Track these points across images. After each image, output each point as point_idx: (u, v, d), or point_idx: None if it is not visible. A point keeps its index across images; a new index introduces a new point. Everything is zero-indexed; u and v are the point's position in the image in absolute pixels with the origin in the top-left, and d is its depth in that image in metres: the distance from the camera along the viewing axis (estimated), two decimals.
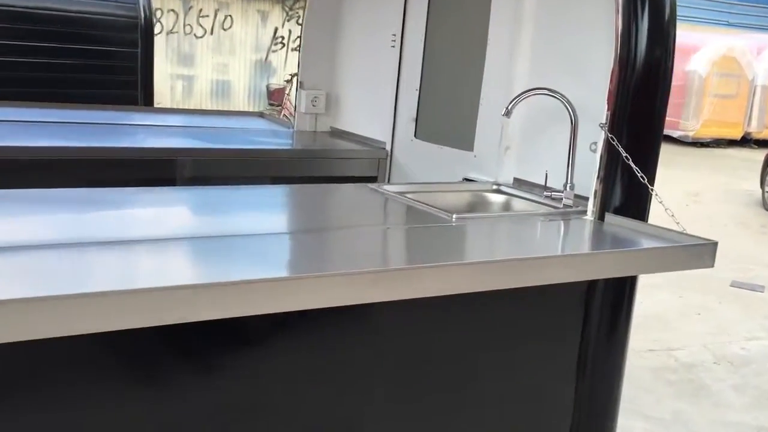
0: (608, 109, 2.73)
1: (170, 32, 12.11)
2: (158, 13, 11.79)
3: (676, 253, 2.47)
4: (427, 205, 2.79)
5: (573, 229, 2.74)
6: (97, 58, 6.16)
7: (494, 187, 3.30)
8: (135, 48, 6.64)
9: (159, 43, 11.99)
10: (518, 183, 3.29)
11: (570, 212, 2.89)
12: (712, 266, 2.45)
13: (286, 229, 2.57)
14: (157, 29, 11.92)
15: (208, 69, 12.35)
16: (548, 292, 2.50)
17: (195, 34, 12.18)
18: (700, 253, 2.47)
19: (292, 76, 12.31)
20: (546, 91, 2.95)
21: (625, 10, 2.69)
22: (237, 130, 4.44)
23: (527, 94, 2.96)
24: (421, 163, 3.90)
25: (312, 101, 4.42)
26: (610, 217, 2.77)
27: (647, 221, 2.82)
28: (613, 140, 2.70)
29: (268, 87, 12.54)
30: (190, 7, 12.04)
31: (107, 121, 4.29)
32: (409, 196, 2.93)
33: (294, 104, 4.46)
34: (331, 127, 4.53)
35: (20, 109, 4.28)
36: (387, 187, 3.05)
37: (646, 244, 2.53)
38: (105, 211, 2.50)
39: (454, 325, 2.48)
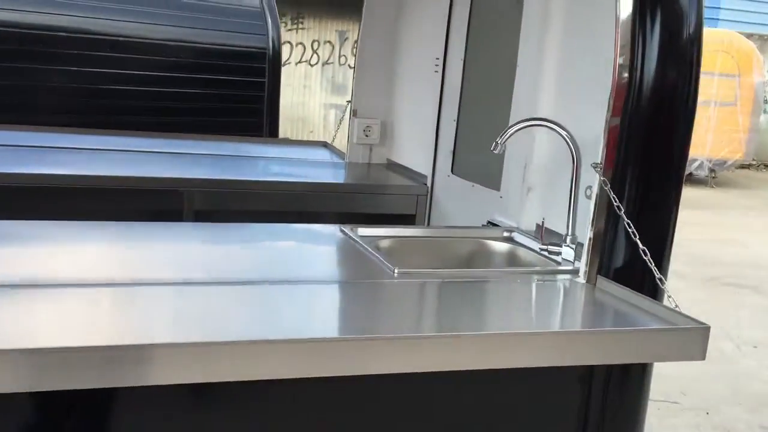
0: (605, 146, 2.17)
1: (326, 63, 12.21)
2: (315, 45, 11.95)
3: (655, 340, 1.87)
4: (380, 255, 2.35)
5: (547, 295, 2.20)
6: (225, 88, 6.21)
7: (506, 234, 2.78)
8: (262, 78, 6.65)
9: (315, 73, 12.15)
10: (539, 229, 2.75)
11: (560, 272, 2.34)
12: (702, 359, 1.82)
13: (185, 278, 2.18)
14: (314, 60, 12.10)
15: None
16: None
17: (349, 65, 12.20)
18: (686, 340, 1.85)
19: None
20: (544, 123, 2.42)
21: (629, 19, 2.13)
22: (287, 161, 4.18)
23: (520, 126, 2.45)
24: (456, 203, 3.43)
25: (365, 131, 4.07)
26: (602, 282, 2.19)
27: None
28: (606, 185, 2.14)
29: None
30: (346, 39, 12.09)
31: (172, 150, 4.17)
32: (372, 243, 2.50)
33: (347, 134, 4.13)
34: (387, 159, 4.15)
35: (147, 139, 4.28)
36: (362, 230, 2.63)
37: (625, 323, 1.95)
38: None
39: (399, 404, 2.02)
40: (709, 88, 12.52)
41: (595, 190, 2.19)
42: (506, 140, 2.43)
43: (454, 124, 3.44)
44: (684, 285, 7.70)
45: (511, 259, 2.63)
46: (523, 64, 2.88)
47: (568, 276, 2.31)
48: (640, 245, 2.05)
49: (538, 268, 2.40)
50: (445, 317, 2.01)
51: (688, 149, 2.20)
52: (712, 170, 13.41)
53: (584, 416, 2.19)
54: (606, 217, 2.18)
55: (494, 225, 2.98)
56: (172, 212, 3.31)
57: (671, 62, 2.14)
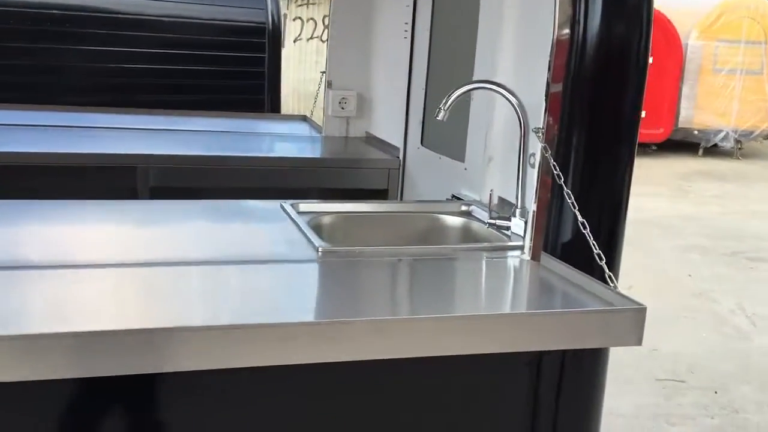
0: (546, 108, 1.98)
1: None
2: (326, 20, 11.74)
3: (582, 323, 1.68)
4: (312, 233, 2.18)
5: (484, 275, 2.02)
6: (224, 64, 6.06)
7: (464, 208, 2.60)
8: (262, 53, 6.50)
9: (321, 49, 11.93)
10: (501, 203, 2.56)
11: (508, 247, 2.15)
12: (638, 343, 1.63)
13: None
14: (325, 35, 11.81)
15: None
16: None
17: None
18: (620, 323, 1.66)
19: None
20: (488, 86, 2.23)
21: None
22: (261, 135, 4.03)
23: (462, 90, 2.26)
24: (425, 176, 3.25)
25: (340, 103, 3.90)
26: (546, 259, 2.01)
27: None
28: (546, 151, 1.95)
29: None
30: None
31: (137, 126, 4.04)
32: (313, 221, 2.33)
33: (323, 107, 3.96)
34: (366, 133, 3.98)
35: (144, 116, 4.17)
36: (304, 206, 2.47)
37: (554, 305, 1.77)
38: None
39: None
40: (734, 56, 12.09)
41: (538, 158, 2.00)
42: (449, 106, 2.24)
43: (423, 93, 3.25)
44: (704, 259, 7.44)
45: (464, 235, 2.46)
46: (483, 30, 2.68)
47: (516, 253, 2.13)
48: (579, 217, 1.85)
49: (484, 245, 2.22)
50: (364, 301, 1.83)
51: (640, 112, 2.00)
52: (738, 141, 12.94)
53: (533, 405, 2.02)
54: (551, 187, 1.99)
55: (458, 199, 2.80)
56: (127, 190, 3.18)
57: (618, 16, 1.94)
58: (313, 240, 2.07)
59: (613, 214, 2.00)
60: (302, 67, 11.64)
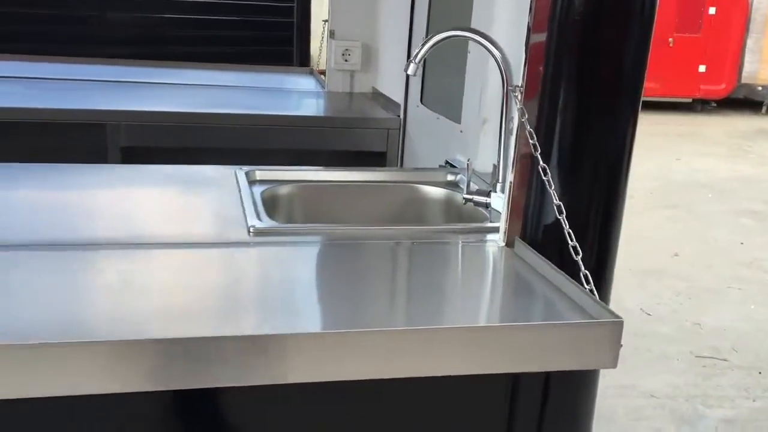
0: (526, 60, 1.60)
1: None
2: None
3: (540, 339, 1.31)
4: (256, 206, 1.85)
5: (441, 267, 1.67)
6: (251, 14, 5.73)
7: (450, 177, 2.25)
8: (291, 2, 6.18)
9: None
10: (495, 173, 2.20)
11: (484, 229, 1.80)
12: (613, 366, 1.27)
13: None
14: None
15: None
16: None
17: None
18: (589, 340, 1.29)
19: None
20: (465, 34, 1.86)
21: None
22: (260, 90, 3.71)
23: (435, 40, 1.89)
24: (423, 138, 2.90)
25: (344, 55, 3.54)
26: (520, 247, 1.65)
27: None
28: (523, 114, 1.58)
29: None
30: None
31: (151, 80, 3.74)
32: (267, 190, 2.01)
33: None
34: (373, 89, 3.62)
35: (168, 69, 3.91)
36: (261, 173, 2.14)
37: (515, 312, 1.41)
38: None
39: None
40: None
41: (516, 123, 1.63)
42: (420, 59, 1.88)
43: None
44: (759, 226, 6.93)
45: (443, 211, 2.11)
46: None
47: (494, 236, 1.77)
48: (555, 199, 1.48)
49: (457, 226, 1.87)
50: (283, 301, 1.47)
51: (645, 60, 1.60)
52: None
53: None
54: (531, 158, 1.62)
55: (451, 165, 2.45)
56: (97, 149, 2.90)
57: None
58: (248, 217, 1.75)
59: (609, 181, 1.62)
60: None
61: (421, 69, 2.86)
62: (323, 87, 3.73)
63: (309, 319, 1.37)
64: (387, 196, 2.17)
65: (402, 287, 1.57)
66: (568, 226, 1.43)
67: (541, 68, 1.58)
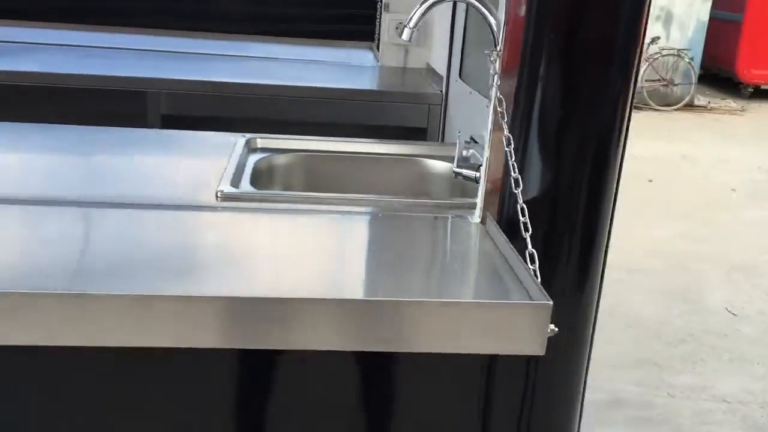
0: (505, 21, 1.48)
1: None
2: None
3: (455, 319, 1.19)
4: (232, 174, 1.80)
5: (405, 241, 1.56)
6: None
7: (465, 153, 2.13)
8: None
9: None
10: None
11: (465, 205, 1.69)
12: (541, 352, 1.15)
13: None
14: None
15: None
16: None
17: None
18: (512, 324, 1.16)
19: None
20: None
21: None
22: (314, 63, 3.66)
23: (428, 3, 1.76)
24: (458, 114, 2.77)
25: (397, 28, 3.44)
26: (489, 224, 1.53)
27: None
28: (495, 81, 1.46)
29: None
30: None
31: (203, 50, 3.78)
32: (264, 158, 1.95)
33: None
34: (427, 64, 3.51)
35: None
36: (263, 141, 2.09)
37: (460, 290, 1.30)
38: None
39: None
40: None
41: (494, 91, 1.50)
42: (416, 24, 1.77)
43: (464, 15, 2.75)
44: None
45: (448, 186, 2.00)
46: None
47: (475, 212, 1.65)
48: (513, 172, 1.36)
49: (441, 201, 1.76)
50: (216, 264, 1.41)
51: (641, 24, 1.45)
52: None
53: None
54: (511, 131, 1.50)
55: (475, 142, 2.33)
56: (138, 115, 2.93)
57: None
58: (222, 182, 1.70)
59: (598, 156, 1.48)
60: None
61: (460, 41, 2.76)
62: (378, 61, 3.65)
63: (204, 282, 1.31)
64: (389, 169, 2.08)
65: (351, 258, 1.49)
66: (522, 201, 1.31)
67: (521, 32, 1.45)
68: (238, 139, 2.10)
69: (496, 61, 1.47)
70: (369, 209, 1.67)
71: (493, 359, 1.55)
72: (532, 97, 1.47)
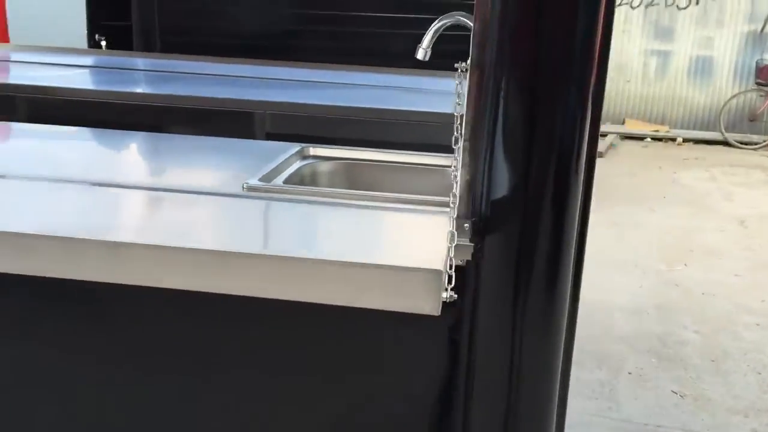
0: (474, 36, 1.70)
1: (649, 5, 11.08)
2: None
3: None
4: (269, 173, 2.11)
5: (387, 228, 1.80)
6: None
7: None
8: None
9: (636, 16, 11.12)
10: None
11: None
12: (436, 312, 1.35)
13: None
14: (636, 2, 11.06)
15: (688, 44, 10.95)
16: None
17: (677, 6, 10.93)
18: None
19: None
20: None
21: None
22: (402, 89, 3.97)
23: (439, 24, 2.00)
24: None
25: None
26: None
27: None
28: (459, 96, 1.67)
29: (757, 63, 10.58)
30: None
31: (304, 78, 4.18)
32: (308, 165, 2.26)
33: None
34: None
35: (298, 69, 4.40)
36: (315, 150, 2.40)
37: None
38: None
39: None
40: None
41: (466, 84, 1.70)
42: (428, 45, 2.02)
43: None
44: None
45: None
46: None
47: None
48: (458, 167, 1.56)
49: (438, 198, 1.97)
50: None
51: (593, 55, 1.61)
52: None
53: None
54: (487, 127, 1.70)
55: None
56: (247, 133, 3.34)
57: None
58: (254, 178, 2.03)
59: (558, 168, 1.64)
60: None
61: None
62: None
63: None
64: (419, 176, 2.32)
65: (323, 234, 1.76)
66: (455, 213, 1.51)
67: (485, 47, 1.66)
68: (295, 148, 2.42)
69: (464, 72, 1.68)
70: (377, 203, 1.92)
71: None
72: (495, 110, 1.66)
